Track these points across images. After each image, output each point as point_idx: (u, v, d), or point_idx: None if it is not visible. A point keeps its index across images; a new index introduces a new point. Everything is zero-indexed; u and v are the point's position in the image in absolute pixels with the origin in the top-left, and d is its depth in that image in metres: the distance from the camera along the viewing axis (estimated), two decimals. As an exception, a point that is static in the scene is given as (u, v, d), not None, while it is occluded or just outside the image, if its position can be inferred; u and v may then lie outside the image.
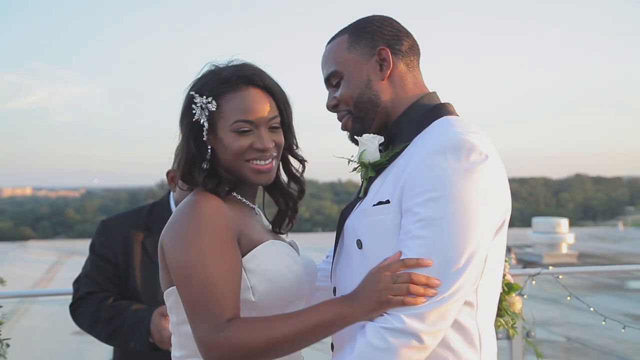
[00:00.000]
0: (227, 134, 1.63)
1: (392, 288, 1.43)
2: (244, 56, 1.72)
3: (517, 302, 2.70)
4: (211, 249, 1.50)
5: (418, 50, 1.77)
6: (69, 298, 2.68)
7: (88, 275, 2.62)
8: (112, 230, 2.65)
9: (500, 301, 2.62)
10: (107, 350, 2.94)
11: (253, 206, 1.76)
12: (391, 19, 1.76)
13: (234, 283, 1.50)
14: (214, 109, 1.63)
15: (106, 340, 2.58)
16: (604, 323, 3.38)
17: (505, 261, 2.52)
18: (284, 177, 1.81)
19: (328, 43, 1.78)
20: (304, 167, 1.81)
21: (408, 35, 1.75)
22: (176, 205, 2.63)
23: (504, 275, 2.58)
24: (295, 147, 1.78)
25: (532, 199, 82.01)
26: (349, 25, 1.76)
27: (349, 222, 1.67)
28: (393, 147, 1.66)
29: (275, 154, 1.68)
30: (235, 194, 1.69)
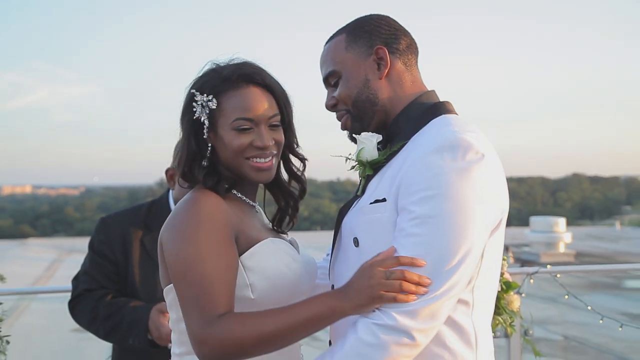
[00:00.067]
0: (227, 131, 1.63)
1: (385, 284, 1.43)
2: (245, 55, 1.72)
3: (515, 301, 2.71)
4: (208, 246, 1.50)
5: (416, 48, 1.77)
6: (69, 295, 2.68)
7: (87, 273, 2.62)
8: (111, 228, 2.65)
9: (499, 299, 2.62)
10: (106, 347, 2.94)
11: (253, 204, 1.76)
12: (389, 17, 1.76)
13: (229, 280, 1.51)
14: (215, 107, 1.63)
15: (105, 337, 2.58)
16: (601, 322, 3.40)
17: (504, 259, 2.53)
18: (285, 175, 1.81)
19: (326, 43, 1.78)
20: (304, 165, 1.81)
21: (406, 33, 1.75)
22: (175, 203, 2.63)
23: (502, 274, 2.58)
24: (295, 146, 1.78)
25: (529, 198, 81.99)
26: (347, 25, 1.76)
27: (347, 220, 1.67)
28: (391, 145, 1.66)
29: (275, 152, 1.69)
30: (235, 191, 1.70)
